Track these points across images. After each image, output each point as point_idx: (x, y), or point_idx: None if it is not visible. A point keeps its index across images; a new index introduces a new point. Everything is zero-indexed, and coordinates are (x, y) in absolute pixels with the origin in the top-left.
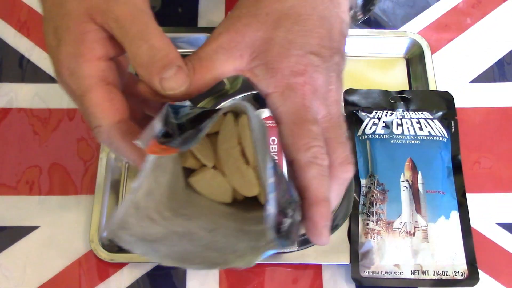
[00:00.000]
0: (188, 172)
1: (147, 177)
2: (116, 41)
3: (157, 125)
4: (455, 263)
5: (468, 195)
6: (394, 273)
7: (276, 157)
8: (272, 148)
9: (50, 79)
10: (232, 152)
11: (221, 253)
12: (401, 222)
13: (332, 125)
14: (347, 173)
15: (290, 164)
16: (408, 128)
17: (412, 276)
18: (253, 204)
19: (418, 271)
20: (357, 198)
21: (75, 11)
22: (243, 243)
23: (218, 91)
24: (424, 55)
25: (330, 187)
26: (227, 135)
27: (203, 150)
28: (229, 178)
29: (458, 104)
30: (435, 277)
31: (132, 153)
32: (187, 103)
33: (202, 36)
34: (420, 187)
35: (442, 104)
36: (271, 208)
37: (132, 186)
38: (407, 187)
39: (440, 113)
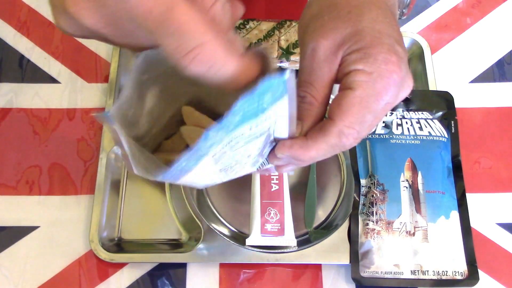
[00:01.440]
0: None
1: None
2: None
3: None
4: (455, 263)
5: (468, 195)
6: (394, 273)
7: None
8: None
9: (50, 79)
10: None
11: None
12: (401, 222)
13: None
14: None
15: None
16: (408, 128)
17: (412, 276)
18: None
19: (418, 271)
20: (357, 198)
21: None
22: None
23: None
24: (424, 55)
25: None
26: (195, 134)
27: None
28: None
29: (458, 104)
30: (435, 277)
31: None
32: None
33: None
34: (420, 187)
35: (442, 104)
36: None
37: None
38: (407, 187)
39: (440, 113)
